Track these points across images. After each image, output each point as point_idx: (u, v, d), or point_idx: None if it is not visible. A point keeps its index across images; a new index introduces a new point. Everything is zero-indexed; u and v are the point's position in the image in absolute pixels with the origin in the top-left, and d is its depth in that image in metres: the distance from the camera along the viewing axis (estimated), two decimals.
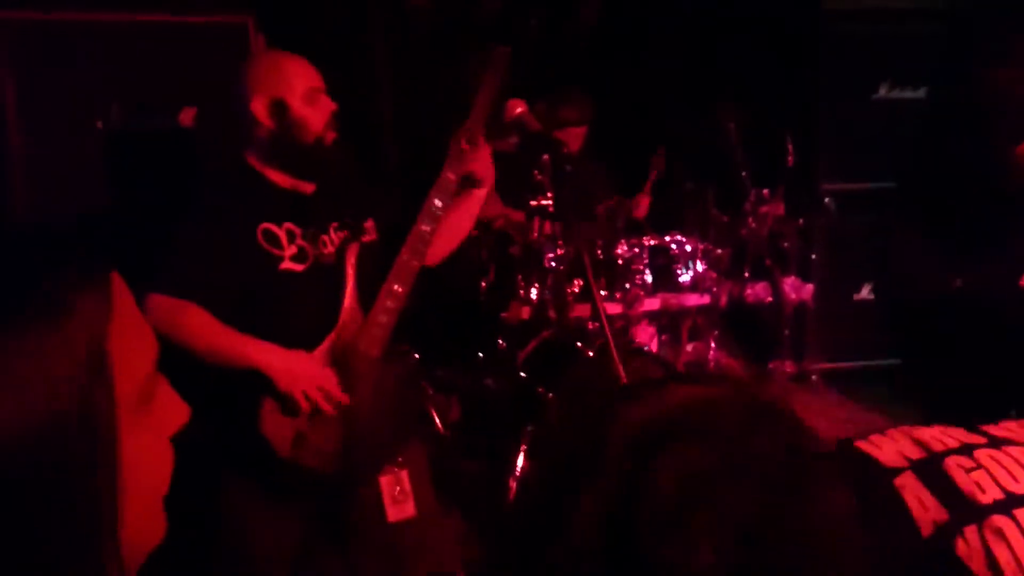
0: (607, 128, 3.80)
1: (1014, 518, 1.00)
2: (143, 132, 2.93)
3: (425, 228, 2.09)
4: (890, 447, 1.11)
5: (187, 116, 2.90)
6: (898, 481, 1.06)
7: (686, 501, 0.64)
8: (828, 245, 4.10)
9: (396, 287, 2.06)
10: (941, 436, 1.12)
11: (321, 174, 2.12)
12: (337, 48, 1.99)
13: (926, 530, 1.01)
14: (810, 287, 3.72)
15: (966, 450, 1.08)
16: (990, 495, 1.02)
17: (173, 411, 0.71)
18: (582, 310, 3.32)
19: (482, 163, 2.19)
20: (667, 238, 3.49)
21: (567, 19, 4.54)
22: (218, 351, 1.95)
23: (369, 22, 3.92)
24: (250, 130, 2.06)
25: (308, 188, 2.13)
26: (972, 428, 1.12)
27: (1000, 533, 0.99)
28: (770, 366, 3.75)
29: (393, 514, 2.08)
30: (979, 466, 1.05)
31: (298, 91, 2.04)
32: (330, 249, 2.10)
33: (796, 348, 3.87)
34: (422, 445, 2.28)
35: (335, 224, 2.13)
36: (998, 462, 1.06)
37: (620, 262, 3.39)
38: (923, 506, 1.03)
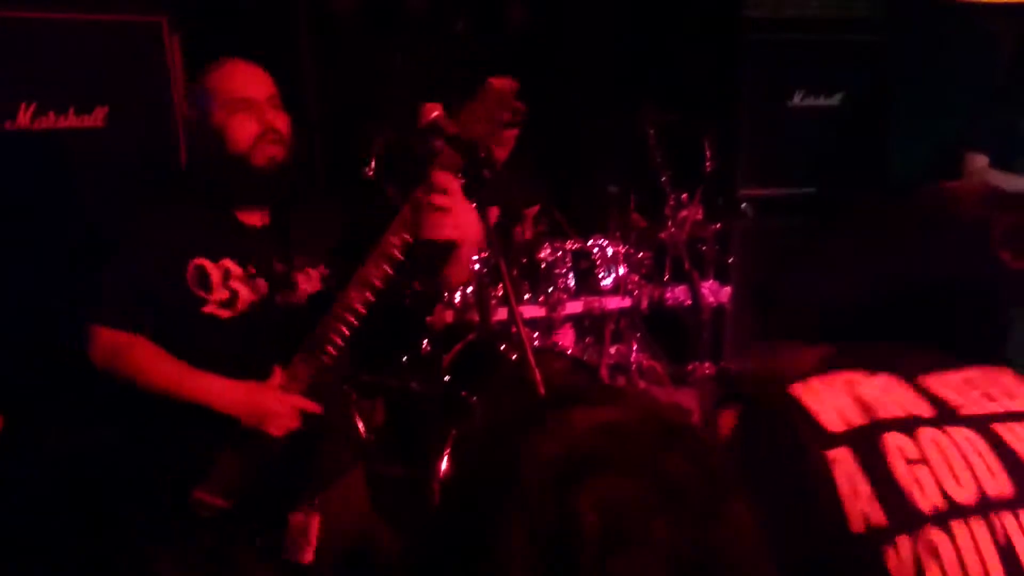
0: (530, 132, 3.82)
1: (951, 533, 0.93)
2: (52, 132, 2.84)
3: (377, 282, 1.88)
4: (831, 403, 1.02)
5: (98, 116, 2.83)
6: (831, 454, 0.97)
7: (615, 536, 0.63)
8: (745, 249, 4.18)
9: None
10: (884, 395, 1.03)
11: (260, 198, 1.93)
12: (257, 51, 1.95)
13: (856, 524, 0.94)
14: (728, 290, 3.79)
15: (908, 426, 1.00)
16: (930, 501, 0.95)
17: None
18: (505, 314, 3.33)
19: (457, 222, 1.84)
20: (589, 242, 3.53)
21: (494, 21, 4.54)
22: (170, 390, 1.83)
23: (291, 24, 3.86)
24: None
25: (259, 220, 1.96)
26: (914, 383, 1.05)
27: (935, 551, 0.92)
28: (689, 367, 3.82)
29: (292, 554, 1.89)
30: (922, 460, 0.97)
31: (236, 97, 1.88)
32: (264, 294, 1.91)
33: (715, 349, 3.95)
34: (361, 490, 2.16)
35: (278, 268, 1.93)
36: (943, 454, 0.98)
37: (543, 266, 3.41)
38: (856, 494, 0.95)
